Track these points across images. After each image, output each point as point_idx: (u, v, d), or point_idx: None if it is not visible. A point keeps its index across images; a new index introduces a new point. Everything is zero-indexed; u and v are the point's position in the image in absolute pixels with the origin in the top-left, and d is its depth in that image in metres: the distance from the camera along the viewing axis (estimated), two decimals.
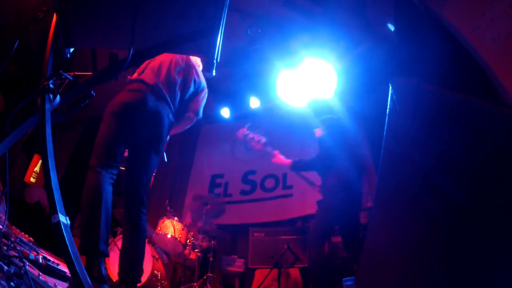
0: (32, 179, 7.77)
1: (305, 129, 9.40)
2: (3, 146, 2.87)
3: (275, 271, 7.12)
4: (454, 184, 2.88)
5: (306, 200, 8.70)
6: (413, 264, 2.92)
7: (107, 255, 3.53)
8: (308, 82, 6.98)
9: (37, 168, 7.78)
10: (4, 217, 3.08)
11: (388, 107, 3.75)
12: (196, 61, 4.86)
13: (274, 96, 8.05)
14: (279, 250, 7.37)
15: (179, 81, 4.46)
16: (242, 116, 10.27)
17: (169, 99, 4.25)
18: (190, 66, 4.65)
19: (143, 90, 4.12)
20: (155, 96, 4.13)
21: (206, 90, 4.86)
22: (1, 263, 2.61)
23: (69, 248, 2.23)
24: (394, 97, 3.71)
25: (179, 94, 4.44)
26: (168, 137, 4.60)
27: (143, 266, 5.99)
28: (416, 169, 3.23)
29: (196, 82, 4.69)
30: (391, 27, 5.17)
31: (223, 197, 9.54)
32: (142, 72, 4.38)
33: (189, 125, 4.73)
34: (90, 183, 3.76)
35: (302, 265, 7.26)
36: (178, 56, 4.60)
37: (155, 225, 7.35)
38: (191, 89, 4.62)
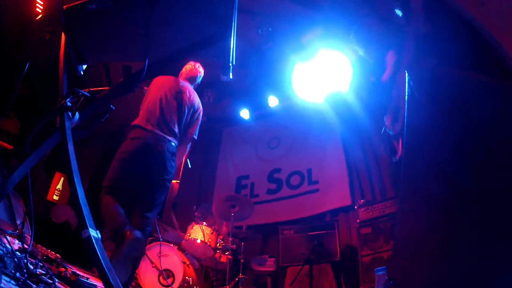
0: (55, 197, 7.88)
1: (324, 125, 9.39)
2: (25, 166, 2.93)
3: (306, 268, 7.10)
4: (470, 176, 2.87)
5: (332, 194, 8.68)
6: (439, 255, 2.91)
7: None
8: (324, 75, 6.96)
9: (59, 186, 7.89)
10: (30, 237, 3.14)
11: (406, 94, 3.73)
12: (189, 77, 5.63)
13: (292, 93, 8.05)
14: (310, 246, 7.36)
15: (174, 114, 5.02)
16: (262, 115, 10.29)
17: (166, 134, 4.81)
18: (182, 93, 5.23)
19: (141, 137, 4.70)
20: (153, 138, 4.71)
21: (200, 109, 5.43)
22: (30, 282, 2.66)
23: (102, 261, 2.27)
24: (412, 83, 3.69)
25: (176, 123, 5.01)
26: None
27: (175, 273, 6.09)
28: (434, 163, 3.22)
29: (188, 106, 5.22)
30: (399, 12, 5.12)
31: (250, 198, 9.55)
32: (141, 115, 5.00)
33: (189, 147, 5.28)
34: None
35: (332, 260, 7.24)
36: (167, 89, 5.19)
37: (184, 231, 7.40)
38: (186, 113, 5.18)
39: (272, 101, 9.44)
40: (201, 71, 5.75)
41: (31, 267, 2.84)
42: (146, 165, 4.60)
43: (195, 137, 5.27)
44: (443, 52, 3.75)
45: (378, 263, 6.14)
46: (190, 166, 7.65)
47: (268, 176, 9.95)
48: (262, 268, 7.86)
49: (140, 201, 4.56)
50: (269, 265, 7.86)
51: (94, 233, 2.37)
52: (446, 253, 2.97)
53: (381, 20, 5.71)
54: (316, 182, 9.19)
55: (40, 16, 3.72)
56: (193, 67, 5.70)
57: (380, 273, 5.33)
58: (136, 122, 4.90)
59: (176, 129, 4.97)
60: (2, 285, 2.33)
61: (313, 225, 7.97)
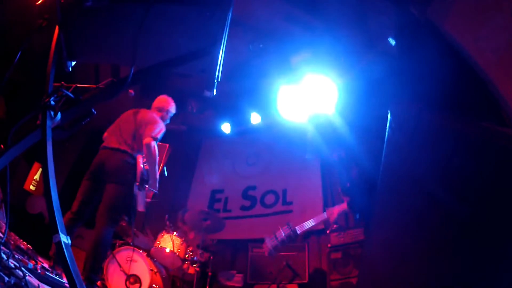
0: (31, 187, 7.74)
1: (304, 146, 9.43)
2: (4, 159, 2.88)
3: (273, 287, 7.08)
4: (457, 200, 2.89)
5: (305, 217, 8.67)
6: (413, 277, 2.92)
7: None
8: (309, 97, 7.00)
9: (37, 176, 7.76)
10: (4, 226, 3.07)
11: (386, 134, 3.77)
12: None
13: (275, 112, 8.07)
14: (278, 266, 7.34)
15: (131, 135, 5.84)
16: (243, 131, 10.29)
17: (127, 149, 5.70)
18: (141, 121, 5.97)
19: (106, 153, 5.69)
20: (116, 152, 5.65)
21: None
22: (2, 274, 2.60)
23: (70, 267, 2.25)
24: (393, 125, 3.72)
25: (135, 140, 5.82)
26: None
27: (142, 279, 6.02)
28: (418, 185, 3.24)
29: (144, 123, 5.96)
30: (392, 41, 5.20)
31: (222, 213, 9.51)
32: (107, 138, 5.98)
33: (149, 147, 5.65)
34: None
35: (300, 281, 7.23)
36: (130, 119, 6.02)
37: (154, 239, 7.33)
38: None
39: (255, 118, 9.45)
40: (172, 105, 6.56)
41: (4, 257, 2.77)
42: None
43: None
44: (431, 84, 3.80)
45: None
46: (166, 174, 7.61)
47: (243, 192, 9.93)
48: (229, 283, 7.81)
49: None
50: (237, 281, 7.81)
51: (64, 239, 2.35)
52: (421, 280, 2.98)
53: (372, 50, 5.79)
54: (290, 203, 9.21)
55: (40, 1, 3.67)
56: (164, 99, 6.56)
57: None
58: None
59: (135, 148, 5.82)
60: None
61: (283, 246, 7.96)
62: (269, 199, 9.55)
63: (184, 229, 7.92)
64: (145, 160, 5.76)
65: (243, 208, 9.67)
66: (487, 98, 3.23)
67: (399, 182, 3.54)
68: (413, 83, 4.13)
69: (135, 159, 5.69)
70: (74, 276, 2.24)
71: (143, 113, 6.12)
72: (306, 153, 8.91)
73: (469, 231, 2.68)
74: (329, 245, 6.96)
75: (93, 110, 3.33)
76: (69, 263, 2.27)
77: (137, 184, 5.49)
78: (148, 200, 5.92)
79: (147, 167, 5.79)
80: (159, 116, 6.21)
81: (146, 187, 5.57)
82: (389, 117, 3.74)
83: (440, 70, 3.66)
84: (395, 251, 3.23)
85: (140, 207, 5.54)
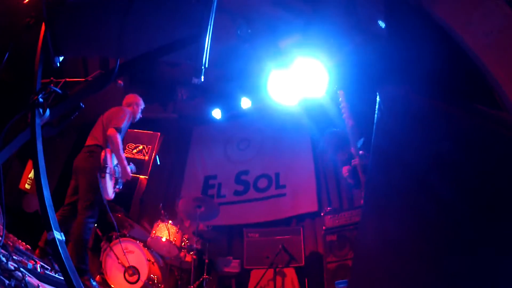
0: (27, 186, 7.69)
1: (295, 129, 9.44)
2: None
3: (270, 271, 7.13)
4: (446, 184, 2.90)
5: (299, 199, 8.74)
6: (407, 267, 2.93)
7: None
8: (300, 81, 6.97)
9: (31, 175, 7.70)
10: (1, 228, 3.06)
11: (375, 116, 3.75)
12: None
13: (265, 96, 8.03)
14: (274, 250, 7.38)
15: (101, 131, 6.00)
16: (233, 116, 10.26)
17: (96, 142, 5.89)
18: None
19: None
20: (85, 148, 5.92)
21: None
22: (2, 277, 2.60)
23: (65, 263, 2.26)
24: (382, 107, 3.70)
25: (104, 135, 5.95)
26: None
27: (140, 271, 6.04)
28: (408, 169, 3.24)
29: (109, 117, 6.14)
30: (382, 24, 5.18)
31: (216, 198, 9.53)
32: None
33: (109, 137, 5.82)
34: None
35: (297, 265, 7.28)
36: (100, 119, 6.18)
37: (149, 229, 7.34)
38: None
39: (245, 103, 9.43)
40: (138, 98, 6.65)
41: (4, 260, 2.77)
42: None
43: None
44: (421, 68, 3.79)
45: (343, 271, 6.21)
46: (158, 163, 7.60)
47: (236, 177, 9.94)
48: (226, 269, 7.86)
49: None
50: (234, 266, 7.87)
51: (58, 236, 2.35)
52: (410, 265, 3.00)
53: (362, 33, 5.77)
54: (284, 186, 9.24)
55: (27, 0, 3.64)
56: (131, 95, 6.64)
57: (341, 286, 5.39)
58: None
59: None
60: None
61: (279, 230, 8.02)
62: (262, 183, 9.57)
63: (179, 217, 7.95)
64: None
65: (237, 193, 9.69)
66: (479, 82, 3.23)
67: (389, 165, 3.54)
68: (403, 66, 4.11)
69: (102, 148, 5.82)
70: (69, 272, 2.25)
71: (110, 110, 6.28)
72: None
73: (460, 217, 2.70)
74: (324, 228, 6.99)
75: (81, 104, 3.31)
76: (64, 259, 2.28)
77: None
78: (116, 190, 5.99)
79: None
80: (128, 109, 6.33)
81: (106, 174, 5.62)
82: (377, 99, 3.72)
83: (431, 54, 3.65)
84: (387, 237, 3.24)
85: (106, 195, 5.57)
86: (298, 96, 7.38)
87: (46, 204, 2.42)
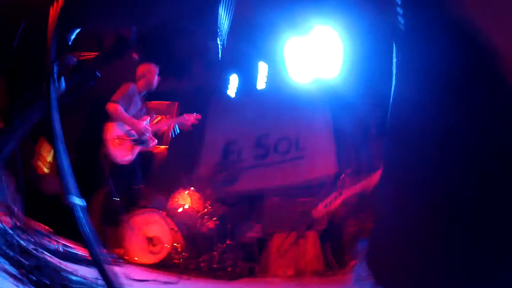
0: (45, 169, 7.78)
1: (314, 95, 9.31)
2: (13, 141, 2.90)
3: (292, 235, 7.18)
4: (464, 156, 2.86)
5: (319, 162, 8.73)
6: (421, 238, 2.93)
7: None
8: (315, 55, 6.86)
9: (48, 157, 7.78)
10: (21, 212, 3.14)
11: (394, 64, 3.68)
12: None
13: (282, 70, 7.94)
14: (296, 213, 7.41)
15: None
16: (251, 83, 10.16)
17: None
18: None
19: None
20: None
21: None
22: (21, 258, 2.67)
23: (86, 228, 2.29)
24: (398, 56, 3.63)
25: None
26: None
27: (163, 240, 6.15)
28: (427, 138, 3.19)
29: None
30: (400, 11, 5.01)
31: (237, 163, 9.57)
32: None
33: (108, 112, 6.21)
34: None
35: (319, 228, 7.32)
36: None
37: (171, 198, 7.41)
38: None
39: (262, 70, 9.34)
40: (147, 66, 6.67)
41: (23, 243, 2.84)
42: None
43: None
44: (437, 45, 3.66)
45: (364, 234, 6.22)
46: (178, 131, 7.64)
47: (256, 141, 9.95)
48: (249, 234, 7.93)
49: None
50: (256, 231, 7.93)
51: (79, 201, 2.38)
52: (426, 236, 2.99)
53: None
54: (304, 149, 9.23)
55: None
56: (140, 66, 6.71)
57: (363, 245, 5.40)
58: None
59: None
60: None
61: (300, 192, 8.03)
62: (283, 146, 9.57)
63: (200, 184, 8.02)
64: None
65: (257, 157, 9.71)
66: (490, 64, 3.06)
67: (407, 132, 3.50)
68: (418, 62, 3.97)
69: None
70: (90, 238, 2.29)
71: None
72: None
73: (477, 192, 2.67)
74: (342, 190, 6.97)
75: (97, 73, 3.32)
76: (84, 225, 2.31)
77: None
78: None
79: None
80: (141, 82, 6.60)
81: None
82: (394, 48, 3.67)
83: (450, 58, 3.45)
84: (403, 205, 3.24)
85: (120, 159, 5.84)
86: (314, 73, 7.26)
87: (66, 171, 2.45)
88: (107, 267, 2.55)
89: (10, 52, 3.98)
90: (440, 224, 2.81)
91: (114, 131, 6.00)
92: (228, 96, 10.38)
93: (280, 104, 10.00)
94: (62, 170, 2.45)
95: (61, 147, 2.57)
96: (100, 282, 3.14)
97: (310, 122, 9.40)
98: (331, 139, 8.88)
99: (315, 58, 6.83)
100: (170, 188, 7.93)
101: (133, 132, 6.21)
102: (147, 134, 6.34)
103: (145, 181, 7.46)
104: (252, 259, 7.44)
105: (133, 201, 6.58)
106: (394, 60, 3.63)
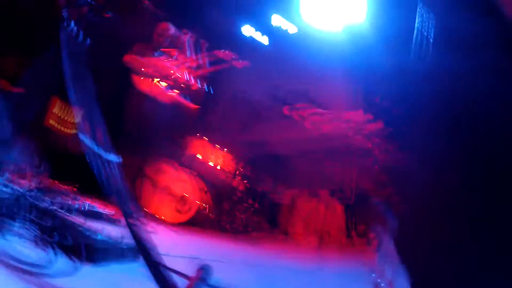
0: (66, 129, 7.74)
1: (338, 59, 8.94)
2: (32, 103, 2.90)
3: (317, 201, 7.14)
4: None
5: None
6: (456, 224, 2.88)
7: None
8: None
9: (67, 117, 7.72)
10: (44, 174, 3.17)
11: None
12: None
13: (302, 16, 7.59)
14: (322, 178, 7.34)
15: None
16: (267, 33, 9.77)
17: None
18: None
19: None
20: None
21: None
22: (41, 221, 2.70)
23: (119, 185, 2.29)
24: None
25: None
26: None
27: (190, 200, 6.19)
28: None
29: None
30: None
31: (262, 119, 9.40)
32: None
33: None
34: None
35: (346, 196, 7.25)
36: None
37: (201, 156, 7.40)
38: None
39: (277, 21, 9.01)
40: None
41: (43, 205, 2.86)
42: None
43: None
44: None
45: (389, 209, 6.18)
46: (212, 92, 7.59)
47: (277, 98, 9.70)
48: (277, 198, 7.89)
49: None
50: (281, 194, 7.87)
51: (114, 158, 2.38)
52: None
53: None
54: (316, 101, 8.97)
55: None
56: None
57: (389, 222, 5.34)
58: None
59: None
60: (18, 225, 2.38)
61: (326, 156, 7.90)
62: (295, 98, 9.32)
63: (229, 145, 7.95)
64: None
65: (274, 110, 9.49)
66: None
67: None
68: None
69: None
70: (122, 194, 2.29)
71: None
72: None
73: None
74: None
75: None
76: (118, 181, 2.31)
77: None
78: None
79: None
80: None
81: None
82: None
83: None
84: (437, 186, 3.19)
85: None
86: (338, 20, 6.97)
87: (99, 126, 2.44)
88: (136, 225, 2.57)
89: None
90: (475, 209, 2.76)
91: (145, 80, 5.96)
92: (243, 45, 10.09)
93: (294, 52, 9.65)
94: (94, 127, 2.45)
95: (92, 104, 2.55)
96: (126, 240, 3.19)
97: (331, 75, 9.07)
98: (354, 94, 8.60)
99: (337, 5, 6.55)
100: (201, 147, 7.88)
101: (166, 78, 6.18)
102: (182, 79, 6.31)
103: (176, 139, 7.45)
104: (275, 222, 7.42)
105: (164, 157, 6.60)
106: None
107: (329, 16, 6.78)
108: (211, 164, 7.09)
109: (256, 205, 7.03)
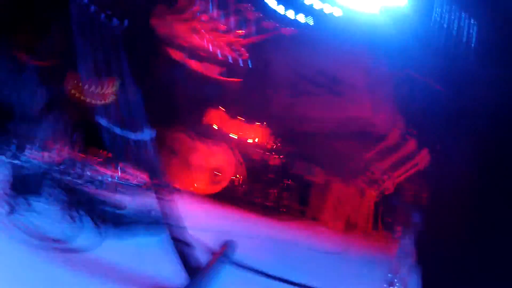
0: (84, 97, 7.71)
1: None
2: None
3: (351, 188, 7.10)
4: None
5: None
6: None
7: None
8: None
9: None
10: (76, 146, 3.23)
11: None
12: None
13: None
14: (357, 164, 7.28)
15: None
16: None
17: None
18: None
19: None
20: None
21: None
22: (70, 193, 2.75)
23: (149, 156, 2.32)
24: None
25: None
26: None
27: (225, 170, 6.24)
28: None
29: None
30: None
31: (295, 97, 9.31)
32: None
33: None
34: None
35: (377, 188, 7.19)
36: None
37: (240, 129, 7.45)
38: None
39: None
40: None
41: (72, 178, 2.90)
42: None
43: None
44: None
45: (417, 206, 6.12)
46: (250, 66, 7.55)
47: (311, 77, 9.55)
48: (308, 177, 7.84)
49: None
50: (316, 175, 7.82)
51: (148, 133, 2.40)
52: None
53: None
54: (341, 86, 8.80)
55: None
56: None
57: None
58: None
59: None
60: (44, 200, 2.42)
61: (362, 140, 7.80)
62: (321, 80, 9.14)
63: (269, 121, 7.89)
64: None
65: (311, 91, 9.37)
66: None
67: None
68: None
69: None
70: (154, 164, 2.32)
71: None
72: None
73: None
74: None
75: None
76: (151, 156, 2.33)
77: None
78: None
79: None
80: None
81: None
82: None
83: None
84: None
85: None
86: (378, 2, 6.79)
87: (131, 101, 2.46)
88: (164, 197, 2.60)
89: None
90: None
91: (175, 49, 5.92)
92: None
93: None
94: (129, 102, 2.47)
95: (127, 79, 2.57)
96: (153, 213, 3.23)
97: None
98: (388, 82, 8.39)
99: None
100: (240, 120, 7.85)
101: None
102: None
103: (215, 109, 7.44)
104: (306, 203, 7.42)
105: (196, 129, 6.62)
106: None
107: None
108: (250, 137, 7.08)
109: (289, 184, 7.03)
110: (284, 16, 8.38)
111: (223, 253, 3.51)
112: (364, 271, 4.97)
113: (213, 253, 3.58)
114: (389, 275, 3.62)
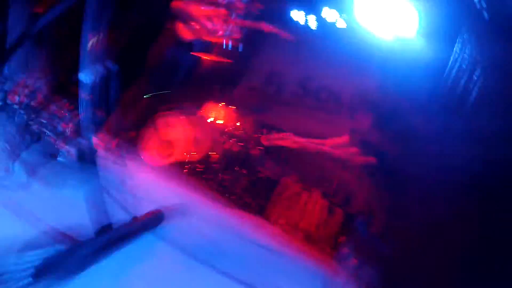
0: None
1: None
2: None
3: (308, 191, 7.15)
4: None
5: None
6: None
7: None
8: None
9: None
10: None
11: None
12: None
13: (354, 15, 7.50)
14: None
15: None
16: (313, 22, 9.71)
17: None
18: None
19: None
20: None
21: None
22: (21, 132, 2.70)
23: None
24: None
25: None
26: None
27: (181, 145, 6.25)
28: None
29: None
30: None
31: (275, 96, 9.42)
32: None
33: None
34: None
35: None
36: None
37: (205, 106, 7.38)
38: None
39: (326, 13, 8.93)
40: None
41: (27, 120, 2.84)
42: None
43: None
44: None
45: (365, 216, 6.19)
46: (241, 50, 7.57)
47: (299, 81, 9.71)
48: (269, 176, 7.83)
49: None
50: (275, 170, 7.83)
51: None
52: None
53: None
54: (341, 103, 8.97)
55: None
56: None
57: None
58: None
59: None
60: None
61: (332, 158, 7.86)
62: (323, 95, 9.33)
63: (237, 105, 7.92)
64: None
65: (295, 95, 9.51)
66: None
67: None
68: None
69: None
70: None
71: None
72: None
73: None
74: None
75: None
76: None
77: None
78: None
79: None
80: None
81: None
82: None
83: None
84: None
85: None
86: (391, 28, 6.88)
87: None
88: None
89: None
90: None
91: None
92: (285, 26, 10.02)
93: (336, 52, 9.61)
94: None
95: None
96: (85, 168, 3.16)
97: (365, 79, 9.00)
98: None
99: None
100: (206, 98, 7.86)
101: None
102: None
103: (184, 84, 7.44)
104: (259, 197, 7.44)
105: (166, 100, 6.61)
106: None
107: (379, 22, 6.70)
108: (214, 116, 7.05)
109: (245, 172, 7.02)
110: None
111: (145, 220, 3.46)
112: (297, 275, 4.99)
113: (134, 218, 3.55)
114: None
